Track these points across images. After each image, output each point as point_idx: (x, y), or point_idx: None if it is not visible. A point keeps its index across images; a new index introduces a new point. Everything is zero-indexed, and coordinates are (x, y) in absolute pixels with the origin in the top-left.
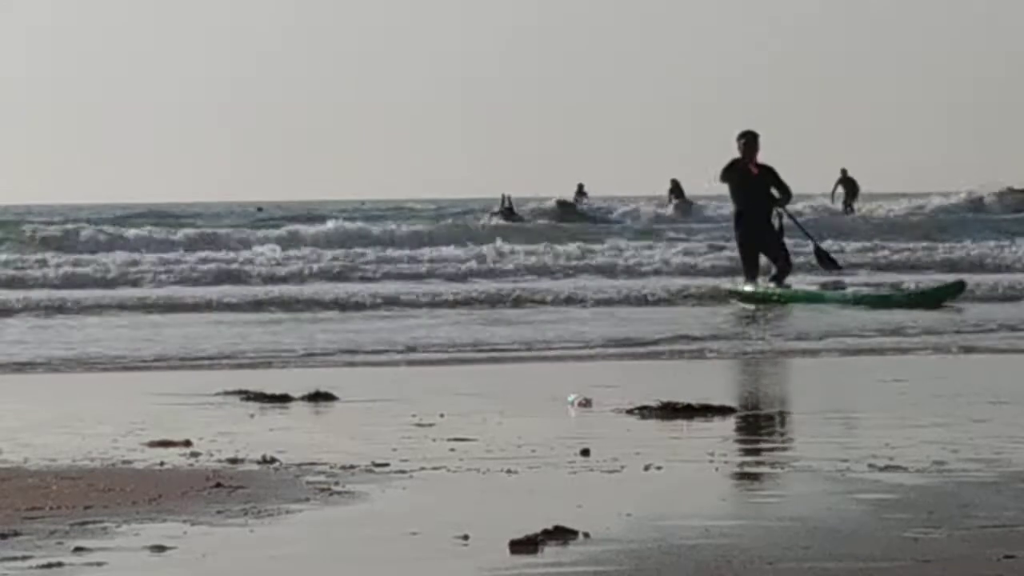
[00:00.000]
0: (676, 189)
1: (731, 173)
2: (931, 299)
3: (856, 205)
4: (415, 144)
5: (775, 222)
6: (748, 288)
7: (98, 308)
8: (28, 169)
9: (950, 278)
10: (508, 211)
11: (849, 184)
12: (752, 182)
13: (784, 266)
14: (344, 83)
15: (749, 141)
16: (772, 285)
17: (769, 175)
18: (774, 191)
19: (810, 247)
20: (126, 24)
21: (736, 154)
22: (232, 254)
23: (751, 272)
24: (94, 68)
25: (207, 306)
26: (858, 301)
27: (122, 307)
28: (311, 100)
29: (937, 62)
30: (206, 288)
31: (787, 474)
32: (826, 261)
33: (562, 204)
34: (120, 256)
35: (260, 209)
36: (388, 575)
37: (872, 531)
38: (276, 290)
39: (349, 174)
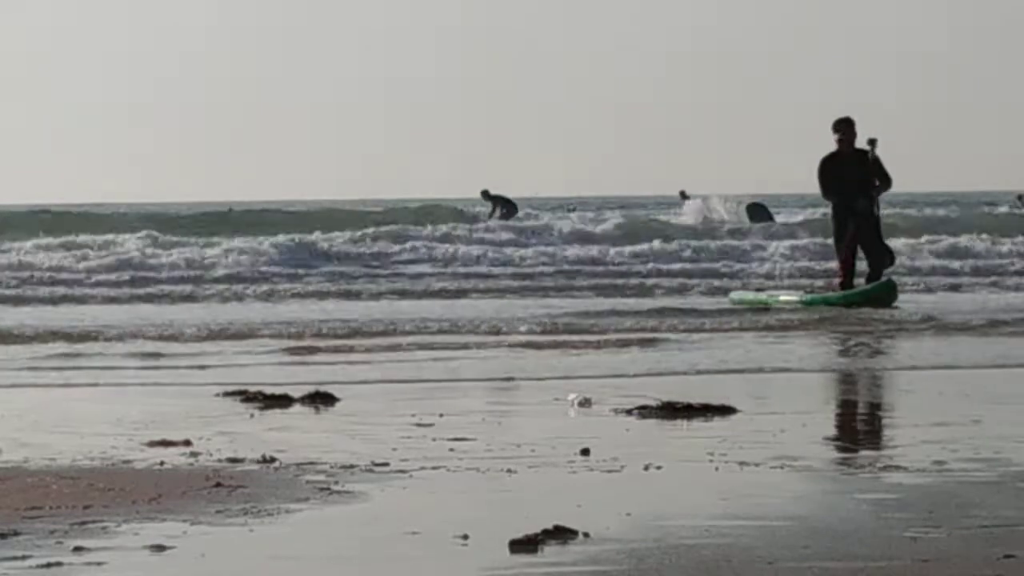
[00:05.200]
0: None
1: (824, 168)
2: (869, 299)
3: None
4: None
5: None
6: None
7: None
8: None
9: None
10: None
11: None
12: (847, 173)
13: (877, 261)
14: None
15: (845, 130)
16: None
17: (868, 161)
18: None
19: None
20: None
21: (832, 145)
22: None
23: (847, 275)
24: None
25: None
26: (809, 303)
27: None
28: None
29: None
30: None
31: (787, 474)
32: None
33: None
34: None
35: (230, 210)
36: (388, 575)
37: (872, 531)
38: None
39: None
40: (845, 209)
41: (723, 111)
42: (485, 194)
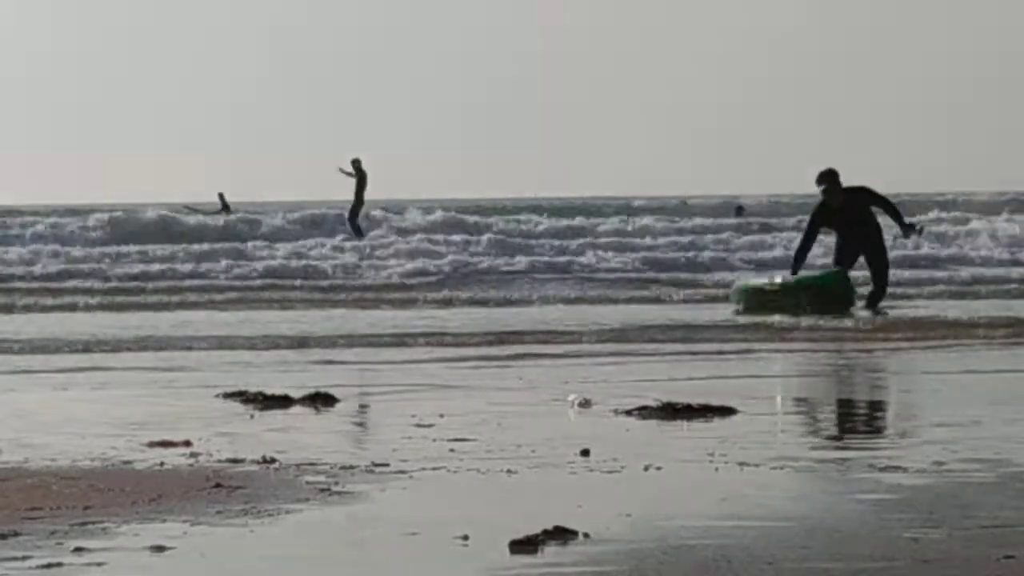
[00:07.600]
0: None
1: (817, 217)
2: (817, 287)
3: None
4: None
5: (890, 241)
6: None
7: None
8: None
9: None
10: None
11: (362, 182)
12: (838, 217)
13: (878, 290)
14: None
15: (825, 185)
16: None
17: (861, 196)
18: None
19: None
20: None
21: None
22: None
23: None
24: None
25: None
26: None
27: None
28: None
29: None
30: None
31: (787, 474)
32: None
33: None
34: None
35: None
36: (388, 575)
37: (872, 531)
38: None
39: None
40: (850, 247)
41: (723, 111)
42: (355, 163)
